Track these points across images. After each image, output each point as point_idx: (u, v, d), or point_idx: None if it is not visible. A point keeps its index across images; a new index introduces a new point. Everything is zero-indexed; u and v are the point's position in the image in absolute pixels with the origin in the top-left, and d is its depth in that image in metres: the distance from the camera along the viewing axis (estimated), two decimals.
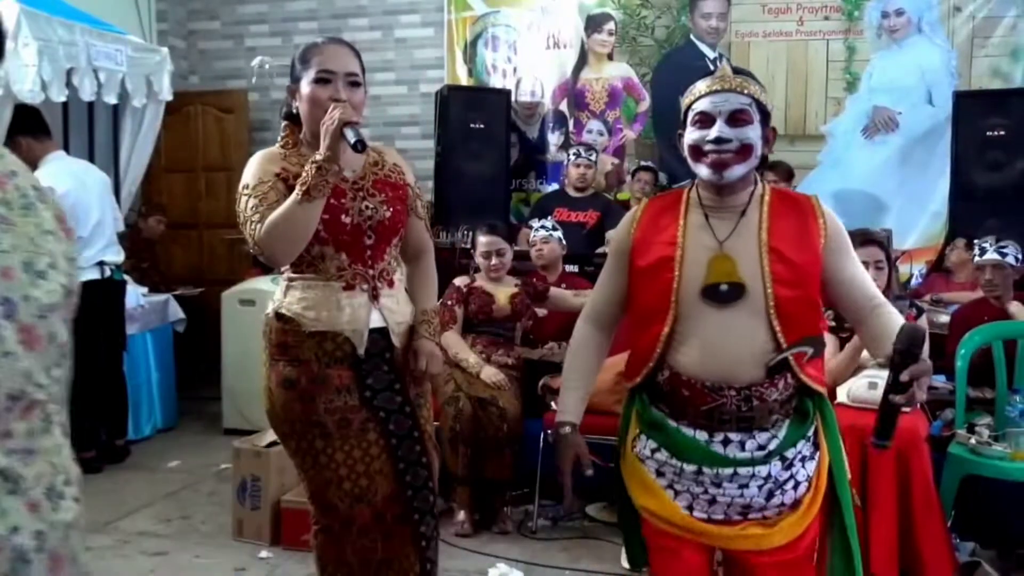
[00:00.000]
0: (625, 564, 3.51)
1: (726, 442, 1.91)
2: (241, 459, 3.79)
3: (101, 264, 4.68)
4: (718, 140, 1.90)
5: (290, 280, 2.29)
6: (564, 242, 4.60)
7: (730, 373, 1.87)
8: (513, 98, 6.54)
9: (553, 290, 4.27)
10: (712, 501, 1.93)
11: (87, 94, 4.90)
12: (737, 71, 2.02)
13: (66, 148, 5.30)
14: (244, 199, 2.21)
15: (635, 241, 2.00)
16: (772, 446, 1.91)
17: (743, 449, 1.90)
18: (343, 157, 2.16)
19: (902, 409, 1.80)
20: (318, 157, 2.11)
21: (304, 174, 2.12)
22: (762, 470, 1.90)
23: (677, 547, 1.98)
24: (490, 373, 3.95)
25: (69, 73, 4.72)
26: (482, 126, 6.13)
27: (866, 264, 3.45)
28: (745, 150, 1.91)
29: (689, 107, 2.00)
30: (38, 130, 4.58)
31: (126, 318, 4.98)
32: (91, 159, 5.44)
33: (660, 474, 1.98)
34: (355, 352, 2.24)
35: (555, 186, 6.24)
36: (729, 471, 1.90)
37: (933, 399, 3.85)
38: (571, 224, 5.40)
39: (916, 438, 3.30)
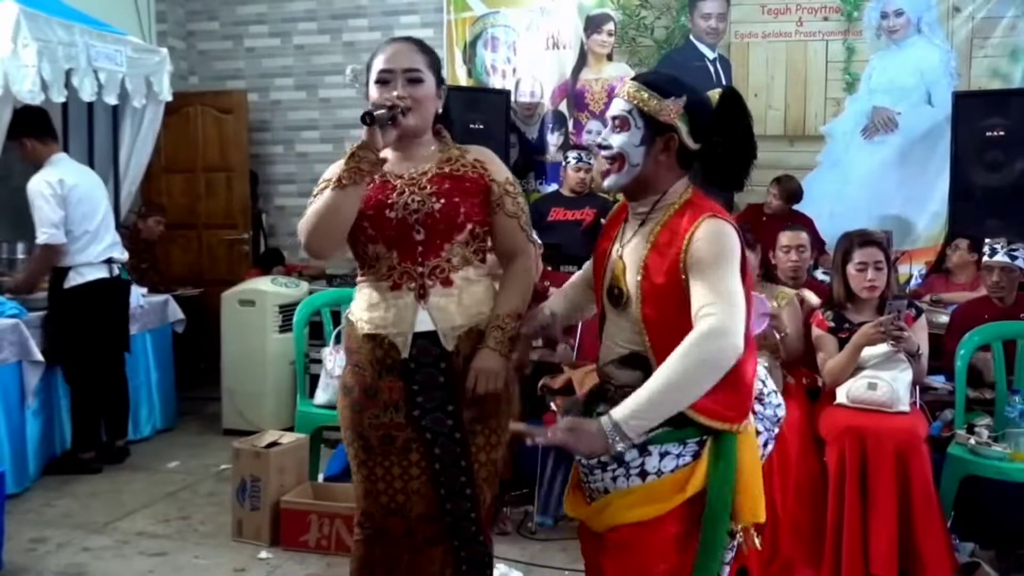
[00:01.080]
0: None
1: None
2: (240, 460, 3.78)
3: (109, 261, 4.73)
4: (600, 145, 2.01)
5: (358, 283, 2.28)
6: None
7: (611, 372, 1.99)
8: (512, 98, 6.54)
9: (551, 289, 4.26)
10: (590, 487, 2.00)
11: (87, 95, 4.89)
12: (640, 77, 2.00)
13: (65, 149, 5.30)
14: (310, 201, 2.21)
15: (602, 234, 2.11)
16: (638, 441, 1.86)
17: None
18: (407, 155, 2.21)
19: None
20: (355, 144, 2.09)
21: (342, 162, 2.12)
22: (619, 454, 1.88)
23: (581, 535, 2.14)
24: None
25: (69, 74, 4.72)
26: (481, 126, 6.12)
27: (865, 265, 3.48)
28: (618, 158, 1.94)
29: None
30: (43, 132, 4.62)
31: None
32: (91, 160, 5.45)
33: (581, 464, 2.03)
34: (406, 361, 2.17)
35: (555, 186, 6.24)
36: (595, 459, 1.92)
37: (932, 400, 3.86)
38: (568, 223, 5.41)
39: (916, 439, 3.30)
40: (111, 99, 5.10)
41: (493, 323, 2.20)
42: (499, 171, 2.29)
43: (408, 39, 2.29)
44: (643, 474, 1.90)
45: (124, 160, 5.59)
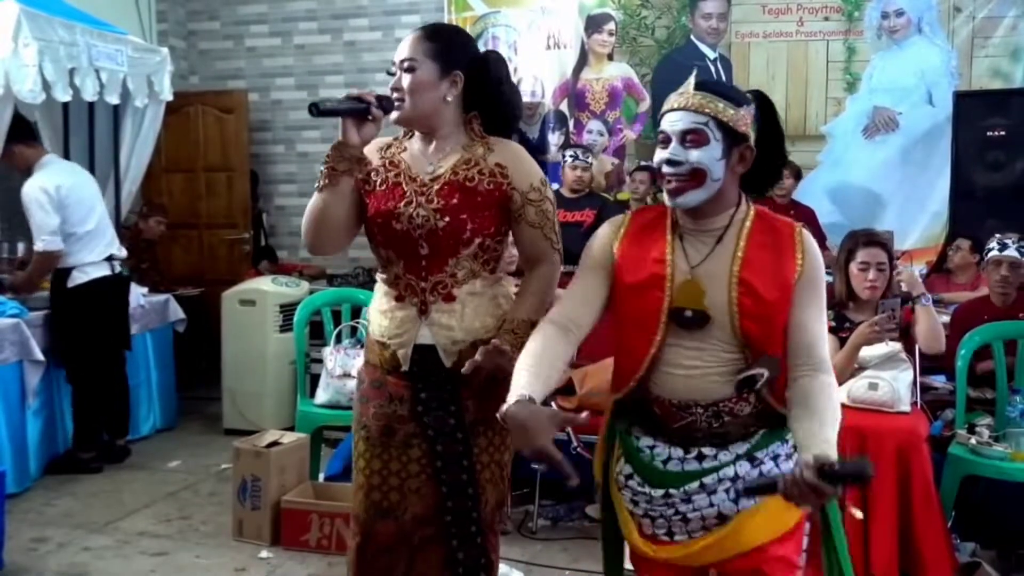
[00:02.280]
0: (627, 565, 3.52)
1: (700, 457, 1.86)
2: (241, 459, 3.78)
3: (110, 259, 4.76)
4: (669, 161, 1.82)
5: (376, 278, 2.27)
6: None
7: (696, 392, 1.83)
8: None
9: (556, 290, 4.26)
10: (685, 519, 1.88)
11: (89, 94, 4.90)
12: (704, 85, 1.87)
13: (66, 149, 5.34)
14: None
15: (620, 255, 1.91)
16: (742, 451, 1.87)
17: (716, 459, 1.86)
18: (429, 149, 2.15)
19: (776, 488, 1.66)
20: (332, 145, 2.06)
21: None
22: (728, 471, 1.85)
23: (660, 573, 1.95)
24: None
25: (71, 73, 4.72)
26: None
27: (867, 264, 3.47)
28: (697, 174, 1.80)
29: (658, 124, 1.91)
30: (30, 136, 4.70)
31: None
32: (91, 160, 5.46)
33: (635, 503, 1.93)
34: (407, 369, 2.16)
35: (556, 186, 6.23)
36: (695, 484, 1.85)
37: (933, 399, 3.85)
38: (567, 224, 5.39)
39: (916, 438, 3.30)
40: (113, 99, 5.10)
41: (507, 327, 2.12)
42: (524, 177, 2.15)
43: (422, 27, 2.20)
44: None
45: (125, 160, 5.59)
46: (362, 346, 3.19)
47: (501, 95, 2.20)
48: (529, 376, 1.77)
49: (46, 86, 4.53)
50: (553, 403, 3.90)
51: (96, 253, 4.67)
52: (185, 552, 3.70)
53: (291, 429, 4.20)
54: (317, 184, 2.10)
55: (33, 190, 4.48)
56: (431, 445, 2.16)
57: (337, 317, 4.40)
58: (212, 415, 5.66)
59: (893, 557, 3.18)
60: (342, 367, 4.12)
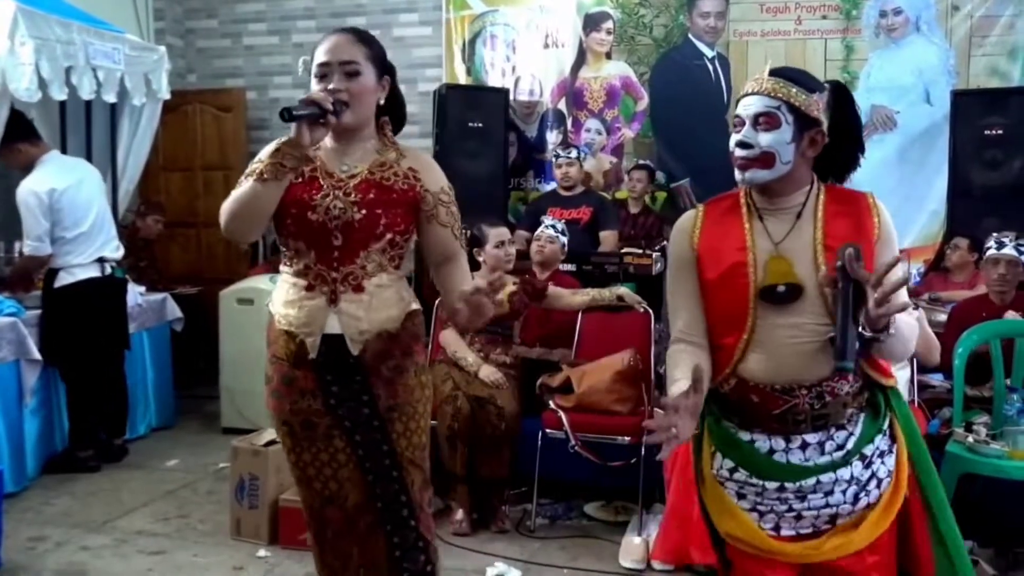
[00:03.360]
0: (624, 563, 3.53)
1: (804, 446, 1.87)
2: (239, 458, 3.78)
3: (101, 260, 4.70)
4: (741, 144, 1.88)
5: (281, 271, 2.29)
6: (566, 249, 4.62)
7: (799, 373, 1.84)
8: (511, 97, 6.54)
9: (551, 288, 4.27)
10: (798, 516, 1.90)
11: (86, 93, 4.89)
12: (778, 72, 1.93)
13: (63, 148, 5.30)
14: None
15: (700, 252, 1.95)
16: (850, 444, 1.88)
17: (823, 452, 1.87)
18: (343, 150, 2.20)
19: (863, 331, 1.73)
20: (282, 139, 2.08)
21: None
22: (844, 473, 1.87)
23: (764, 570, 1.94)
24: (488, 372, 3.95)
25: (67, 72, 4.72)
26: (480, 125, 6.13)
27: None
28: (766, 157, 1.86)
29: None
30: (32, 133, 4.65)
31: None
32: (88, 158, 5.41)
33: (741, 496, 1.93)
34: (314, 358, 2.19)
35: (554, 184, 6.23)
36: (812, 481, 1.87)
37: (930, 397, 3.86)
38: (565, 223, 5.40)
39: None
40: (110, 97, 5.10)
41: (460, 296, 2.17)
42: (434, 181, 2.25)
43: (349, 29, 2.23)
44: (879, 483, 1.91)
45: (122, 158, 5.59)
46: None
47: (400, 98, 2.34)
48: (678, 374, 1.84)
49: (42, 84, 4.52)
50: (551, 402, 3.92)
51: (86, 255, 4.63)
52: (183, 551, 3.70)
53: None
54: (253, 174, 2.10)
55: (25, 193, 4.45)
56: (350, 436, 2.23)
57: None
58: (210, 414, 5.66)
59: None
60: None
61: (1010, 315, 3.91)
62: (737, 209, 1.96)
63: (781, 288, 1.85)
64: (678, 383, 1.83)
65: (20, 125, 4.59)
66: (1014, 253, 3.99)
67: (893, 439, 1.94)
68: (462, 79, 6.71)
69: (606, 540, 3.77)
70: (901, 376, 3.44)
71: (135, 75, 5.27)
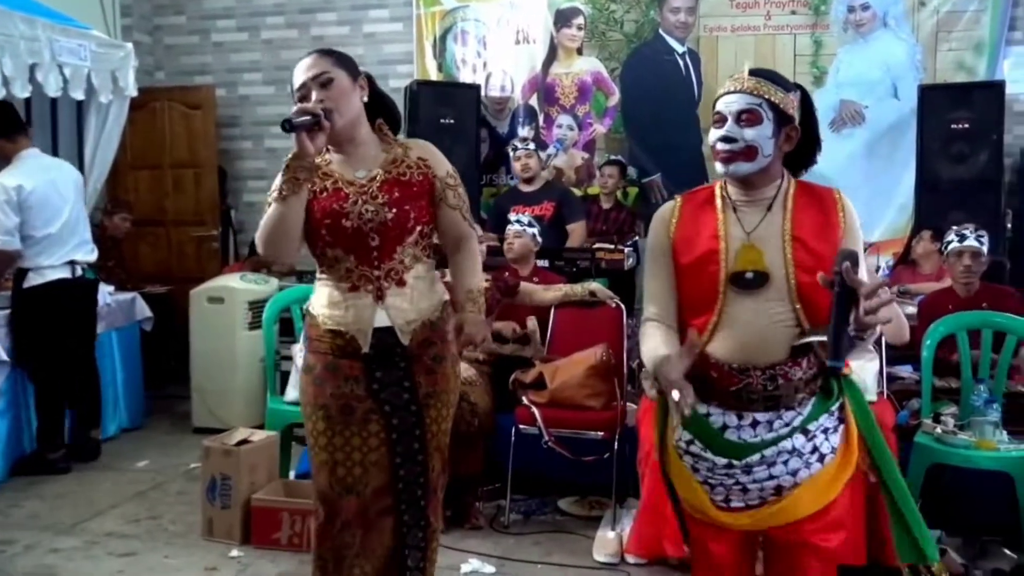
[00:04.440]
0: (598, 558, 3.54)
1: (754, 424, 2.00)
2: (211, 458, 3.76)
3: (72, 263, 4.63)
4: (724, 139, 2.01)
5: (317, 280, 2.42)
6: (539, 239, 4.62)
7: (755, 354, 1.97)
8: (483, 93, 6.54)
9: (523, 284, 4.27)
10: (745, 490, 2.04)
11: (52, 90, 4.84)
12: (757, 72, 2.06)
13: None
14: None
15: (675, 240, 2.08)
16: (796, 423, 2.01)
17: (770, 430, 2.00)
18: (353, 156, 2.34)
19: (849, 331, 1.84)
20: (288, 156, 2.20)
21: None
22: (786, 444, 2.00)
23: (714, 537, 2.12)
24: (461, 368, 3.94)
25: (32, 69, 4.65)
26: (452, 121, 6.12)
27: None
28: (750, 151, 2.00)
29: (713, 106, 2.09)
30: (11, 129, 4.52)
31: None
32: (54, 156, 5.37)
33: (695, 470, 2.07)
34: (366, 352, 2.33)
35: (514, 182, 6.22)
36: (756, 457, 2.00)
37: (899, 389, 3.90)
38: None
39: (883, 427, 3.30)
40: (77, 94, 5.05)
41: (467, 296, 2.43)
42: (440, 165, 2.42)
43: (315, 51, 2.38)
44: (821, 457, 2.03)
45: (89, 156, 5.53)
46: None
47: (388, 100, 2.50)
48: (658, 344, 2.02)
49: (6, 82, 4.47)
50: (524, 398, 3.92)
51: (56, 257, 4.55)
52: (154, 552, 3.67)
53: (261, 427, 4.18)
54: (276, 196, 2.23)
55: None
56: (387, 419, 2.36)
57: None
58: (181, 414, 5.61)
59: (861, 545, 3.22)
60: None
61: None
62: (712, 201, 2.09)
63: (749, 275, 1.99)
64: (658, 350, 1.99)
65: (2, 118, 4.49)
66: (976, 244, 4.03)
67: (842, 420, 2.07)
68: (433, 75, 6.69)
69: (580, 535, 3.78)
70: (871, 368, 3.48)
71: (102, 72, 5.21)
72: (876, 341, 3.52)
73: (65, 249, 4.60)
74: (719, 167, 2.04)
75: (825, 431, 2.03)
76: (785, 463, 2.00)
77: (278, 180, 2.26)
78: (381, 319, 2.32)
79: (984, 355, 3.76)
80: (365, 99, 2.38)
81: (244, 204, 7.18)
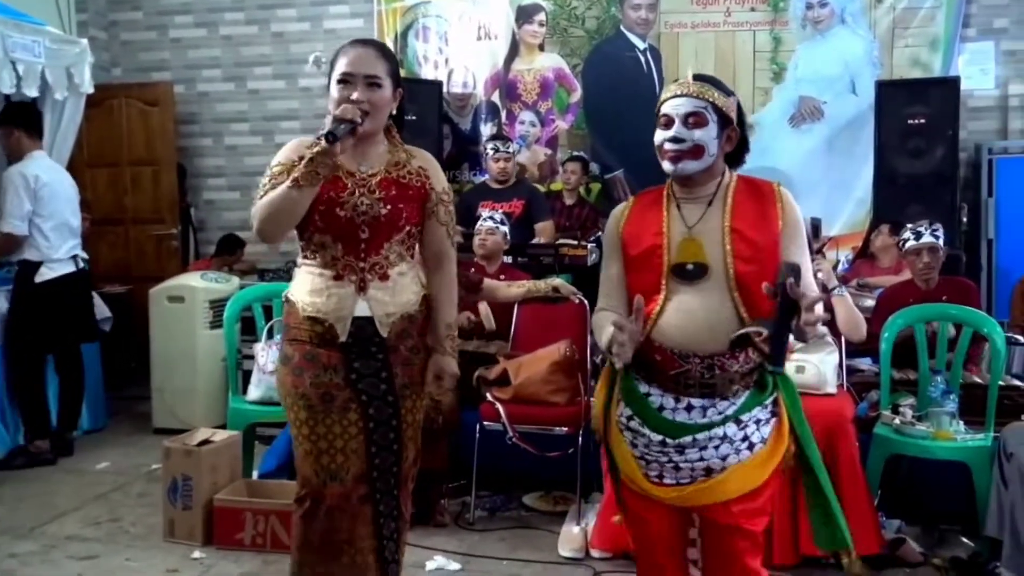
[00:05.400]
0: (563, 553, 3.55)
1: (689, 408, 2.14)
2: (172, 458, 3.72)
3: (75, 258, 4.92)
4: (673, 139, 2.15)
5: (299, 265, 2.47)
6: (508, 237, 4.63)
7: (696, 342, 2.11)
8: (445, 89, 6.53)
9: (487, 281, 4.27)
10: (677, 468, 2.17)
11: (6, 87, 4.77)
12: (700, 77, 2.21)
13: None
14: (263, 178, 2.37)
15: (625, 235, 2.25)
16: (730, 412, 2.14)
17: (704, 416, 2.13)
18: (360, 152, 2.38)
19: (789, 338, 1.98)
20: (314, 150, 2.21)
21: (300, 164, 2.24)
22: (718, 431, 2.13)
23: (645, 510, 2.25)
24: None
25: None
26: (414, 118, 6.06)
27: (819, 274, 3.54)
28: (697, 149, 2.15)
29: (657, 110, 2.22)
30: (32, 128, 4.88)
31: None
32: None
33: (634, 445, 2.21)
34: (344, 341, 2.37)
35: (484, 178, 6.22)
36: (689, 439, 2.13)
37: (859, 381, 3.95)
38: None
39: (843, 420, 3.38)
40: (31, 91, 4.97)
41: (444, 332, 2.50)
42: (439, 180, 2.50)
43: (372, 43, 2.45)
44: (751, 446, 2.15)
45: (45, 153, 5.42)
46: None
47: (403, 109, 2.57)
48: (609, 325, 2.10)
49: None
50: (488, 395, 3.92)
51: (63, 251, 4.82)
52: (115, 555, 3.62)
53: (223, 427, 4.14)
54: (291, 182, 2.22)
55: (14, 173, 4.68)
56: (364, 409, 2.41)
57: (268, 312, 4.34)
58: (141, 414, 5.55)
59: (789, 544, 3.25)
60: (274, 363, 4.06)
61: None
62: (660, 200, 2.25)
63: (690, 266, 2.14)
64: (606, 325, 2.12)
65: (23, 114, 4.84)
66: (932, 239, 4.09)
67: (775, 414, 2.20)
68: None
69: (545, 530, 3.79)
70: (830, 361, 3.52)
71: (56, 68, 5.14)
72: (836, 334, 3.57)
73: (70, 244, 4.89)
74: (667, 166, 2.18)
75: (757, 422, 2.16)
76: (716, 448, 2.14)
77: (288, 153, 2.35)
78: (361, 309, 2.37)
79: (941, 347, 3.82)
80: (395, 112, 2.47)
81: (204, 202, 7.10)
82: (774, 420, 2.20)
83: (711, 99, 2.16)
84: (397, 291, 2.42)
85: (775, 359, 1.98)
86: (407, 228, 2.43)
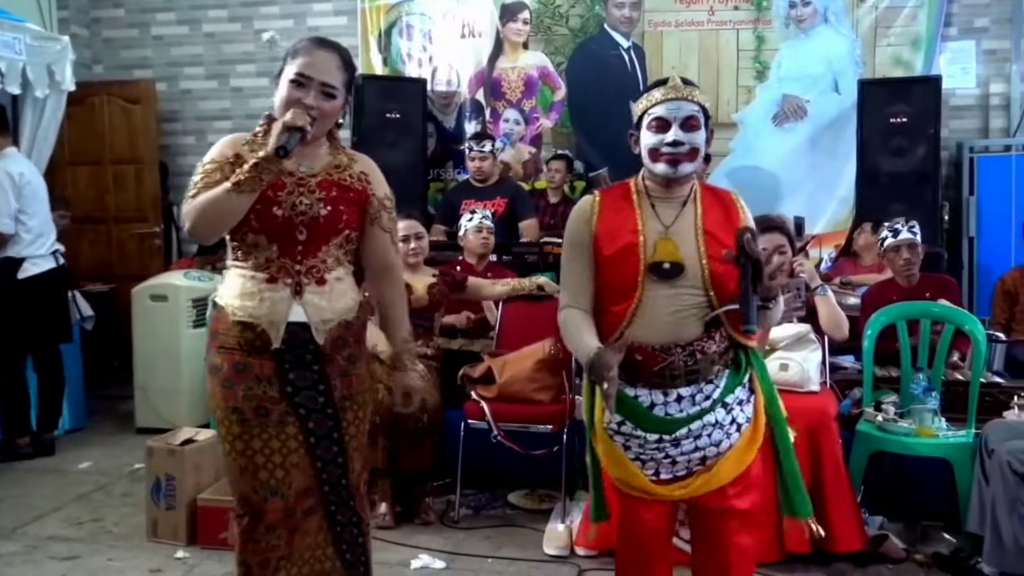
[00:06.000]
0: (548, 551, 3.55)
1: (679, 399, 2.19)
2: (155, 458, 3.70)
3: (55, 253, 4.94)
4: (674, 143, 2.19)
5: (228, 267, 2.34)
6: (493, 235, 4.66)
7: (676, 335, 2.17)
8: (429, 87, 6.52)
9: (471, 279, 4.27)
10: (674, 462, 2.23)
11: None
12: (685, 82, 2.26)
13: None
14: (195, 174, 2.25)
15: (598, 233, 2.25)
16: (715, 395, 2.20)
17: (694, 403, 2.19)
18: (300, 152, 2.24)
19: (756, 300, 2.08)
20: (260, 154, 2.15)
21: (244, 167, 2.15)
22: (710, 418, 2.20)
23: (643, 507, 2.28)
24: (376, 368, 3.93)
25: None
26: (398, 116, 6.10)
27: (767, 251, 3.56)
28: (694, 152, 2.22)
29: (645, 112, 2.24)
30: (4, 125, 4.86)
31: None
32: None
33: (627, 447, 2.24)
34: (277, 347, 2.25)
35: (467, 176, 6.22)
36: (684, 430, 2.19)
37: (842, 379, 3.97)
38: None
39: (826, 417, 3.39)
40: (12, 88, 4.97)
41: (402, 347, 2.47)
42: (380, 186, 2.42)
43: (335, 48, 2.34)
44: (739, 427, 2.23)
45: (25, 152, 5.38)
46: None
47: (346, 112, 2.47)
48: (589, 336, 2.19)
49: None
50: (473, 393, 3.92)
51: (45, 247, 4.84)
52: (98, 555, 3.60)
53: (206, 426, 4.12)
54: (233, 185, 2.14)
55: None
56: (303, 423, 2.31)
57: None
58: (124, 414, 5.52)
59: (774, 540, 3.27)
60: None
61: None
62: (629, 197, 2.28)
63: (667, 265, 2.18)
64: (591, 343, 2.16)
65: None
66: (910, 236, 4.12)
67: (752, 391, 2.28)
68: (379, 69, 6.65)
69: (530, 528, 3.79)
70: (813, 359, 3.53)
71: (37, 66, 5.11)
72: (819, 331, 3.59)
73: (50, 239, 4.92)
74: (664, 168, 2.20)
75: (740, 403, 2.24)
76: (709, 435, 2.20)
77: (220, 149, 2.25)
78: (296, 314, 2.26)
79: (923, 344, 3.84)
80: (341, 120, 2.39)
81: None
82: (752, 398, 2.27)
83: (701, 102, 2.23)
84: (334, 296, 2.31)
85: (746, 318, 2.06)
86: (346, 232, 2.33)
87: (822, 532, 2.35)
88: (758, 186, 6.21)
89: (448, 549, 3.60)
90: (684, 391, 2.18)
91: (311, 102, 2.23)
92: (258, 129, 2.34)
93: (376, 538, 3.62)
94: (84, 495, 4.28)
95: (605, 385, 2.04)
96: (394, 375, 2.47)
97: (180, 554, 3.56)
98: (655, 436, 2.19)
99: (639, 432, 2.20)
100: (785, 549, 3.28)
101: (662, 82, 2.26)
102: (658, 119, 2.21)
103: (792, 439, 2.31)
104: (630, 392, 2.20)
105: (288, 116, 2.17)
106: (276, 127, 2.17)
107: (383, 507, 3.83)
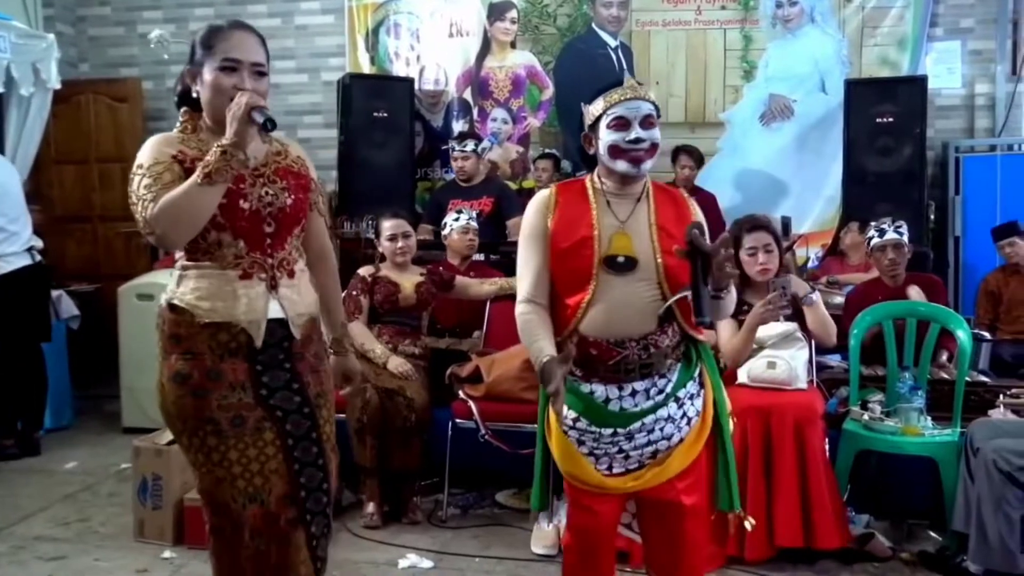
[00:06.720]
0: (535, 550, 3.56)
1: (633, 393, 2.23)
2: (141, 458, 3.69)
3: (30, 250, 4.86)
4: (636, 140, 2.25)
5: (184, 268, 2.20)
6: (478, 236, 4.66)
7: (629, 328, 2.22)
8: (417, 86, 6.51)
9: (459, 278, 4.27)
10: (627, 456, 2.28)
11: None
12: (638, 82, 2.36)
13: None
14: (137, 179, 2.11)
15: (554, 227, 2.29)
16: (668, 389, 2.25)
17: (648, 398, 2.24)
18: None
19: (708, 291, 2.13)
20: (224, 142, 2.05)
21: (208, 157, 2.04)
22: (663, 412, 2.25)
23: (595, 502, 2.32)
24: (397, 363, 3.93)
25: None
26: (386, 115, 6.09)
27: (755, 249, 3.59)
28: (654, 148, 2.28)
29: (604, 112, 2.30)
30: None
31: None
32: None
33: (581, 443, 2.29)
34: (250, 344, 2.16)
35: (453, 175, 6.21)
36: (637, 424, 2.24)
37: (828, 378, 3.99)
38: None
39: (813, 415, 3.40)
40: None
41: (341, 332, 2.48)
42: (312, 169, 2.38)
43: (246, 27, 2.24)
44: (689, 421, 2.29)
45: (10, 151, 5.38)
46: None
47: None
48: (544, 342, 2.21)
49: None
50: (461, 392, 3.92)
51: (19, 244, 4.75)
52: (84, 555, 3.59)
53: None
54: (202, 177, 2.03)
55: None
56: (280, 426, 2.21)
57: None
58: (110, 414, 5.50)
59: (796, 529, 3.28)
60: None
61: (913, 293, 4.05)
62: (584, 192, 2.34)
63: (621, 259, 2.23)
64: (544, 349, 2.18)
65: None
66: (896, 236, 4.14)
67: (702, 385, 2.34)
68: (366, 68, 6.64)
69: (518, 528, 3.79)
70: (800, 357, 3.55)
71: (22, 64, 5.08)
72: (806, 330, 3.60)
73: (24, 236, 4.82)
74: (627, 166, 2.26)
75: (691, 397, 2.30)
76: (662, 429, 2.26)
77: (152, 153, 2.12)
78: (274, 310, 2.19)
79: (908, 343, 3.86)
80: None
81: None
82: (702, 392, 2.33)
83: (656, 101, 2.33)
84: (303, 290, 2.27)
85: (697, 311, 2.11)
86: (303, 220, 2.28)
87: (752, 523, 2.44)
88: (745, 185, 6.24)
89: (436, 548, 3.60)
90: (638, 385, 2.23)
91: (248, 85, 2.13)
92: (181, 124, 2.24)
93: (364, 537, 3.66)
94: (71, 495, 4.26)
95: (551, 389, 2.08)
96: (334, 360, 2.43)
97: (167, 554, 3.55)
98: (610, 430, 2.24)
99: (594, 428, 2.25)
100: (775, 545, 3.29)
101: (615, 84, 2.32)
102: (619, 118, 2.27)
103: (731, 429, 2.39)
104: (585, 388, 2.25)
105: (244, 98, 2.07)
106: (232, 113, 2.06)
107: (371, 507, 3.83)
